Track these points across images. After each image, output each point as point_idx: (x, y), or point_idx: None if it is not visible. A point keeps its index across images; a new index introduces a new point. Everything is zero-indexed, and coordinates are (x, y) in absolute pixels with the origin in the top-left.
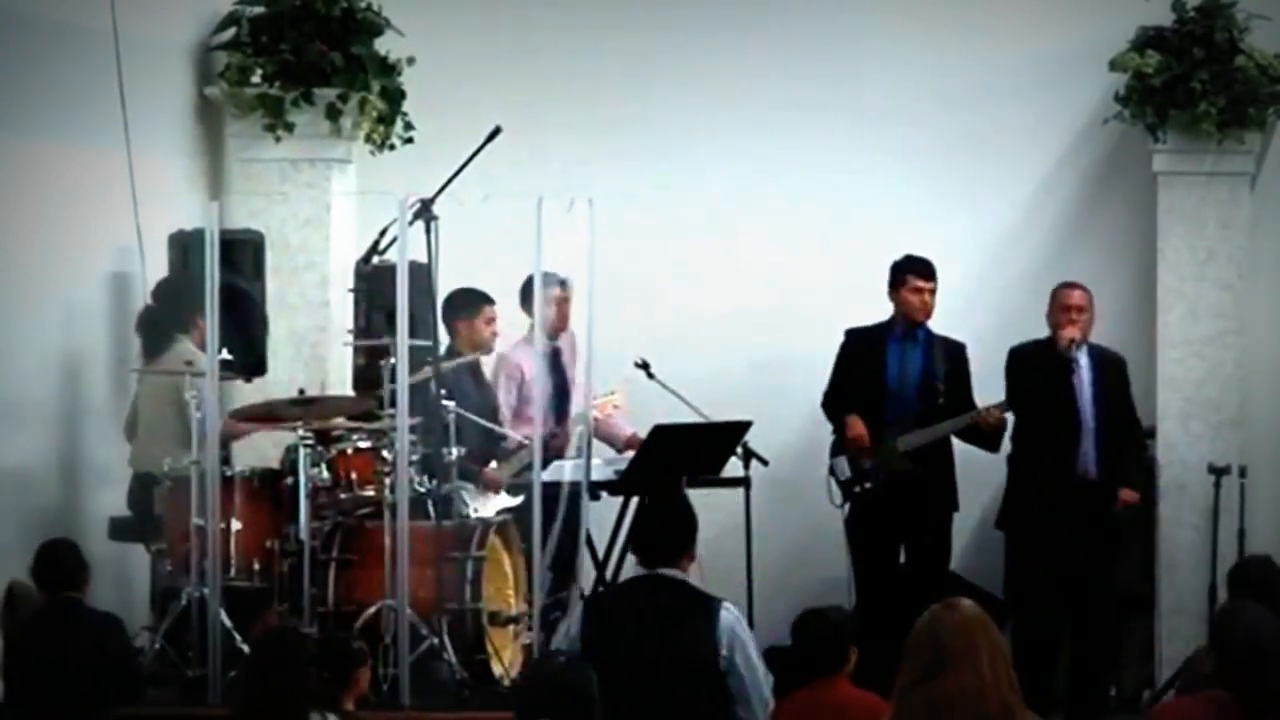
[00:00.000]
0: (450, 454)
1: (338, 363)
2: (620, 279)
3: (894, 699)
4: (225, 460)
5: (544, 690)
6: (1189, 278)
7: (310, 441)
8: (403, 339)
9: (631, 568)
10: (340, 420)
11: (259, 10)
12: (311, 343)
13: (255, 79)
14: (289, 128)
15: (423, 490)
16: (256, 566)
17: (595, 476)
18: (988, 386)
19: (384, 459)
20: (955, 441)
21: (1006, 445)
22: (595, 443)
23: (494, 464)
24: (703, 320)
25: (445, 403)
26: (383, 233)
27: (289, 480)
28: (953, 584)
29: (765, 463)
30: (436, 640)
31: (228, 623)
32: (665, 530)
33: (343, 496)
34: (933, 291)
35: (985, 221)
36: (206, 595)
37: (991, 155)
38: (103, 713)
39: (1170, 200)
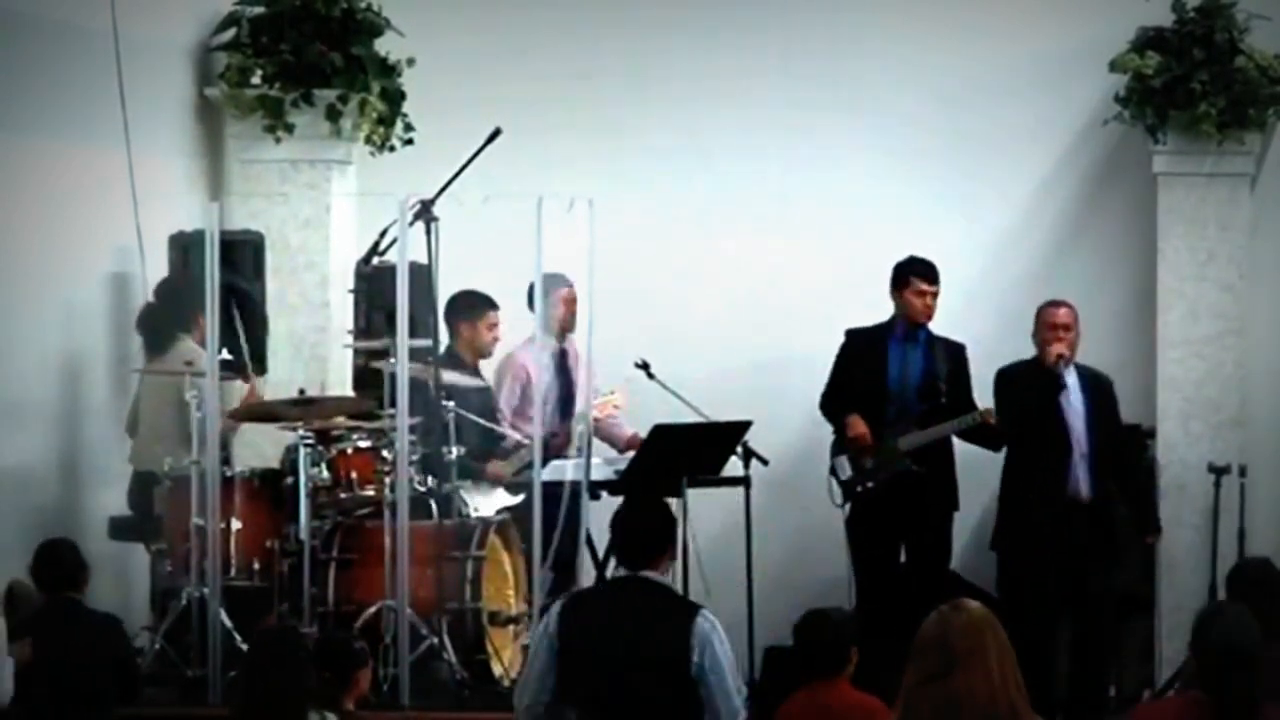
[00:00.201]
0: (450, 453)
1: (338, 363)
2: (620, 279)
3: (900, 698)
4: (225, 460)
5: None
6: (1189, 278)
7: (310, 441)
8: (403, 339)
9: None
10: (340, 420)
11: (259, 11)
12: (311, 343)
13: (255, 80)
14: (289, 129)
15: (423, 490)
16: (256, 566)
17: (595, 476)
18: (988, 387)
19: (384, 459)
20: (956, 441)
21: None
22: (595, 443)
23: (494, 461)
24: (703, 320)
25: (445, 402)
26: (383, 233)
27: (289, 480)
28: (953, 584)
29: (765, 462)
30: (436, 640)
31: (228, 623)
32: (643, 532)
33: (343, 496)
34: (935, 295)
35: (985, 222)
36: (206, 595)
37: (991, 155)
38: (102, 712)
39: (1170, 201)
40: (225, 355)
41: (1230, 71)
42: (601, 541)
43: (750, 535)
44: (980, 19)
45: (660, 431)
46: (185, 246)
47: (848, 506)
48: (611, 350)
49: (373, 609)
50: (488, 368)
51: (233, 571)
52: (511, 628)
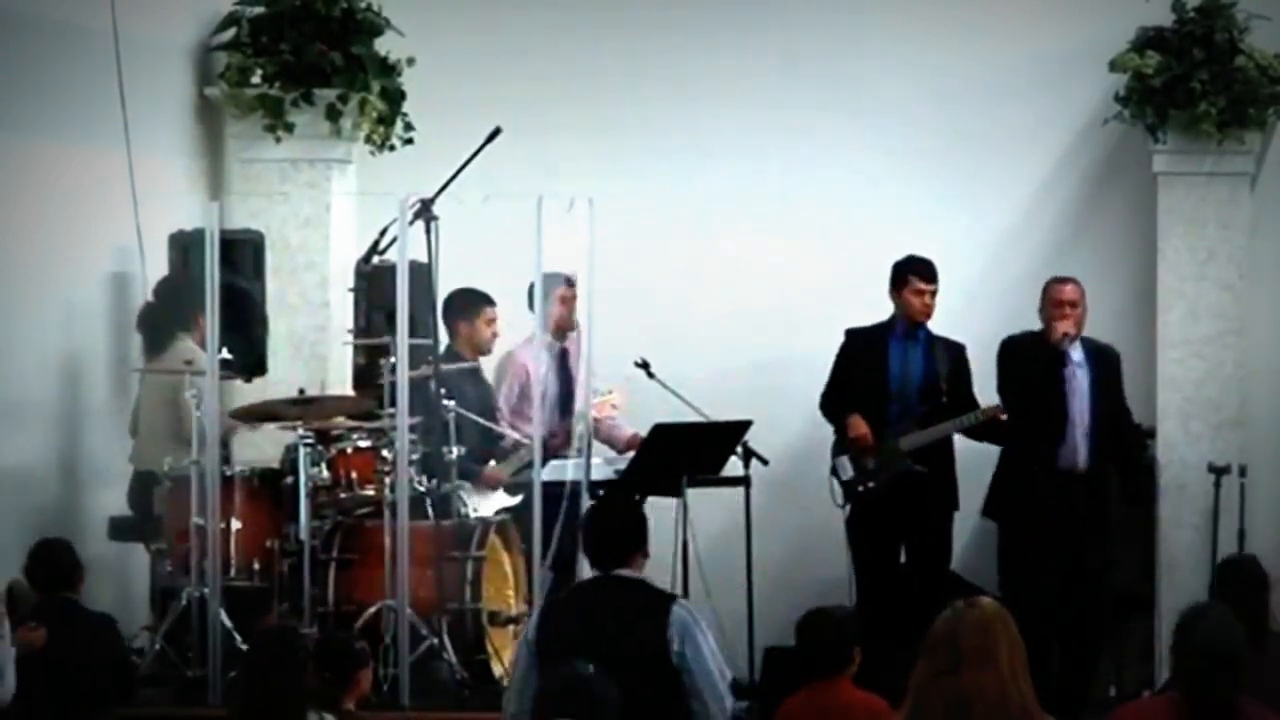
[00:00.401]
0: (450, 454)
1: (338, 363)
2: (620, 279)
3: (911, 692)
4: (225, 460)
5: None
6: (1189, 278)
7: (310, 441)
8: (403, 339)
9: None
10: (340, 420)
11: (259, 10)
12: (311, 343)
13: (255, 79)
14: (289, 128)
15: (422, 490)
16: (256, 566)
17: (595, 476)
18: (988, 386)
19: (384, 458)
20: (956, 440)
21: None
22: (595, 443)
23: (493, 463)
24: (702, 320)
25: (445, 402)
26: (383, 233)
27: (289, 480)
28: (953, 584)
29: (765, 462)
30: (436, 640)
31: (228, 623)
32: (615, 531)
33: (343, 496)
34: (934, 293)
35: (985, 221)
36: (206, 595)
37: (991, 155)
38: (99, 712)
39: (1170, 200)
40: (225, 355)
41: (1230, 71)
42: None
43: (750, 535)
44: (980, 19)
45: (660, 431)
46: (185, 246)
47: (848, 507)
48: (611, 350)
49: (373, 609)
50: (487, 365)
51: (233, 571)
52: (511, 628)
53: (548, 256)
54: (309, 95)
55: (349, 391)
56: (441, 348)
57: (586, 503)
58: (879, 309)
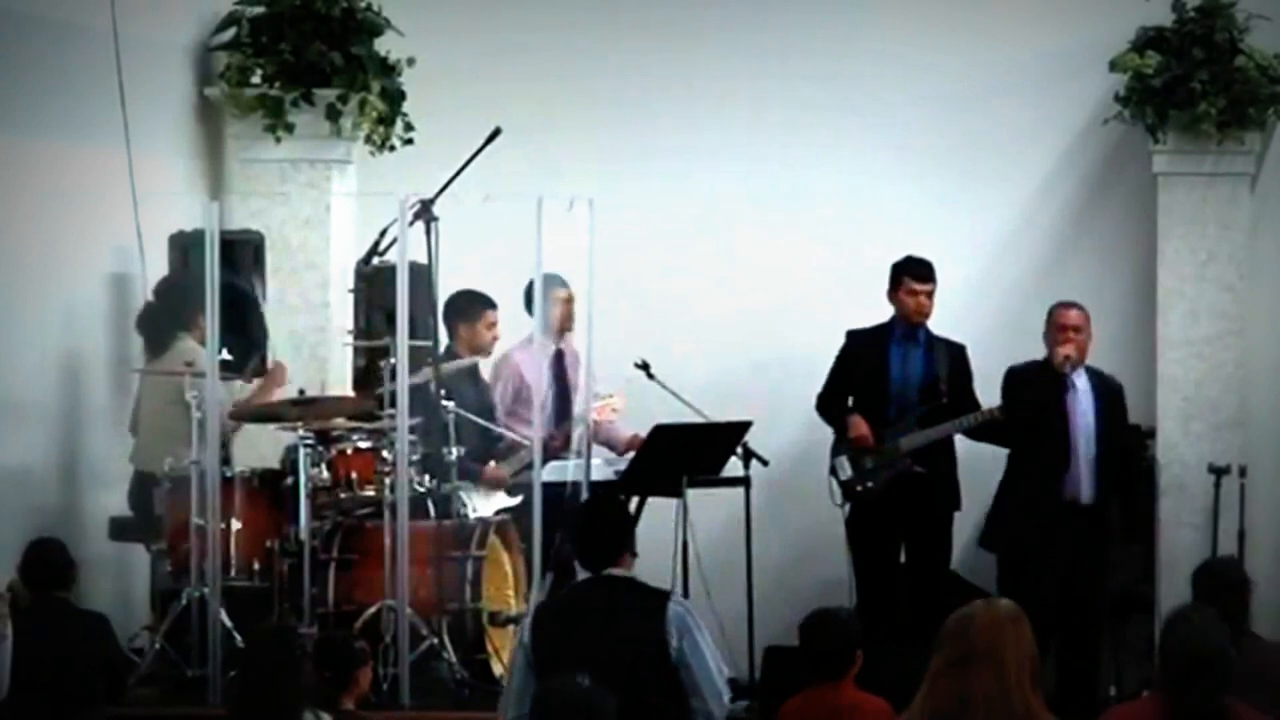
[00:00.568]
0: (450, 454)
1: (338, 363)
2: (620, 279)
3: (924, 683)
4: (225, 460)
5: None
6: (1189, 278)
7: (310, 441)
8: (403, 339)
9: None
10: (340, 420)
11: (259, 10)
12: (311, 343)
13: (255, 79)
14: (289, 128)
15: (423, 490)
16: (256, 566)
17: (595, 476)
18: (989, 387)
19: (384, 459)
20: (957, 441)
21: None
22: (595, 445)
23: (493, 464)
24: (703, 320)
25: (445, 403)
26: (383, 233)
27: (289, 480)
28: (953, 584)
29: (765, 463)
30: (436, 640)
31: (228, 623)
32: (602, 531)
33: (343, 496)
34: (929, 294)
35: (985, 222)
36: (206, 595)
37: (991, 155)
38: (91, 711)
39: (1170, 201)
40: (225, 355)
41: (1230, 71)
42: None
43: (750, 535)
44: (980, 19)
45: (660, 432)
46: (185, 246)
47: (848, 507)
48: (611, 350)
49: (373, 609)
50: (484, 367)
51: (233, 571)
52: (511, 628)
53: (548, 257)
54: (309, 95)
55: (349, 392)
56: (441, 349)
57: None
58: (879, 309)
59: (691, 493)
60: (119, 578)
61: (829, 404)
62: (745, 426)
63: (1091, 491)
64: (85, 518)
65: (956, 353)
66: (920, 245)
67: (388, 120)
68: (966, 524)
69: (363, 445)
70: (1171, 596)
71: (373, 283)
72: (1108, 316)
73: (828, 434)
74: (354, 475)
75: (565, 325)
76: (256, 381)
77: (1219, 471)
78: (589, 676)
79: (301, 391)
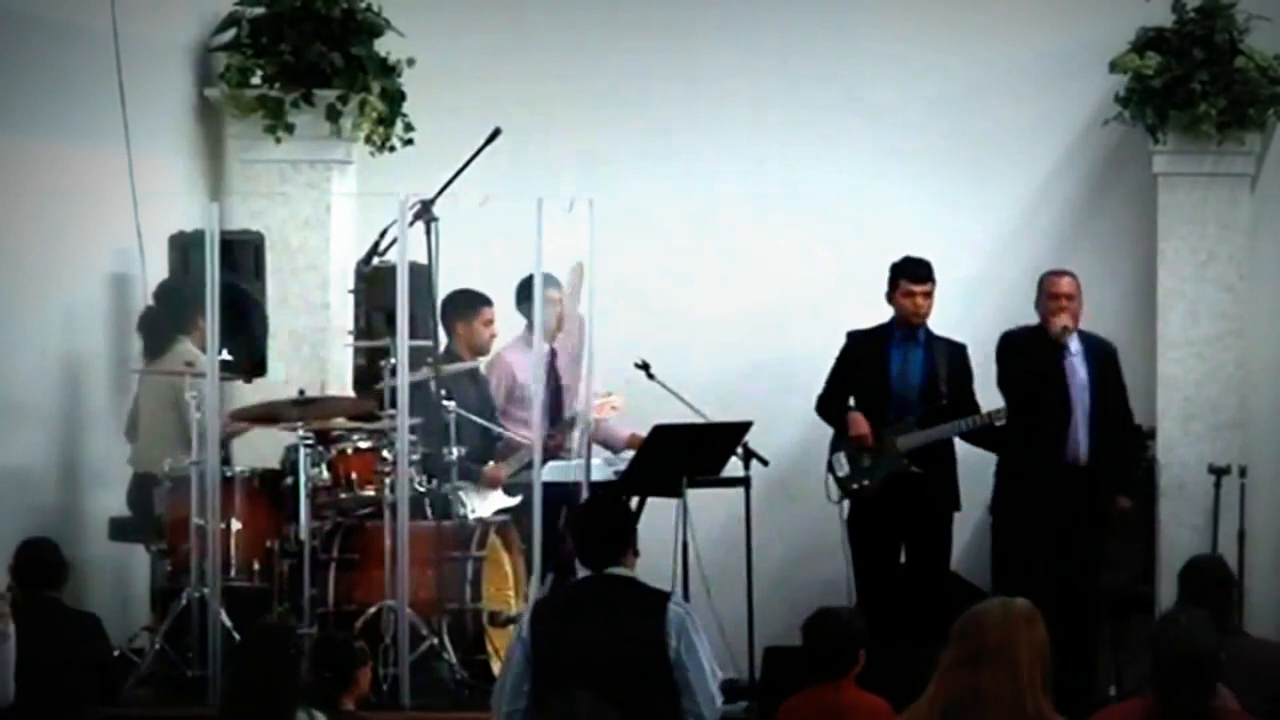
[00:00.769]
0: (450, 454)
1: (338, 363)
2: (620, 279)
3: (935, 676)
4: (225, 460)
5: None
6: (1189, 279)
7: (310, 441)
8: (403, 339)
9: None
10: (340, 420)
11: (259, 11)
12: (311, 343)
13: (255, 80)
14: (289, 129)
15: (422, 490)
16: (256, 566)
17: (595, 476)
18: (990, 386)
19: (384, 459)
20: (957, 441)
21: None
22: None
23: (492, 463)
24: (703, 320)
25: (445, 403)
26: (383, 234)
27: (289, 480)
28: (952, 584)
29: (765, 463)
30: (436, 640)
31: (228, 623)
32: (605, 529)
33: (343, 496)
34: (926, 294)
35: (985, 221)
36: (206, 595)
37: (991, 155)
38: (83, 711)
39: (1170, 201)
40: (225, 356)
41: (1230, 72)
42: None
43: (750, 535)
44: (980, 19)
45: (660, 432)
46: (185, 247)
47: (846, 506)
48: (611, 351)
49: (373, 609)
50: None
51: (233, 572)
52: (511, 628)
53: (548, 257)
54: (309, 96)
55: (349, 392)
56: (440, 349)
57: None
58: (879, 309)
59: (691, 493)
60: (119, 578)
61: (829, 404)
62: (745, 427)
63: (1088, 453)
64: (85, 518)
65: (957, 352)
66: (920, 245)
67: (388, 121)
68: (966, 524)
69: (363, 445)
70: (1171, 596)
71: (373, 283)
72: (1108, 316)
73: (828, 434)
74: (354, 475)
75: (558, 325)
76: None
77: (1219, 472)
78: (589, 687)
79: (301, 391)
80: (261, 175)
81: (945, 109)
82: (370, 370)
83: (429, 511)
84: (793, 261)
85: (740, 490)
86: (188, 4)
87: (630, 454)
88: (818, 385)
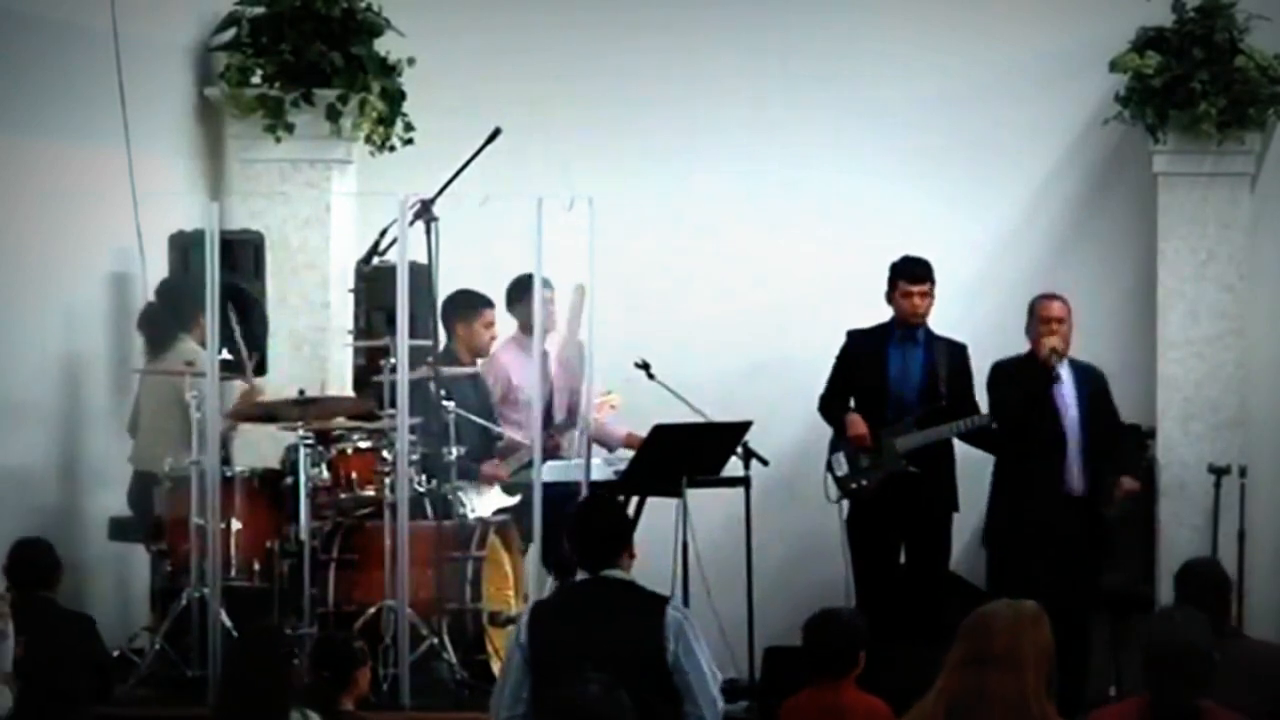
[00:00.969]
0: (450, 454)
1: (338, 363)
2: (620, 279)
3: (940, 675)
4: (225, 460)
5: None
6: (1189, 278)
7: (310, 441)
8: (403, 339)
9: None
10: (340, 420)
11: (259, 11)
12: (311, 343)
13: (255, 80)
14: (289, 128)
15: (422, 490)
16: (256, 566)
17: (595, 476)
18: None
19: (384, 459)
20: (956, 442)
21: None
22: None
23: (491, 462)
24: (703, 320)
25: (445, 403)
26: (383, 233)
27: (289, 480)
28: (952, 584)
29: (765, 463)
30: (436, 640)
31: (228, 623)
32: (601, 531)
33: (343, 496)
34: (924, 294)
35: (985, 221)
36: (206, 595)
37: (991, 155)
38: (77, 711)
39: (1170, 201)
40: (225, 355)
41: (1230, 71)
42: None
43: (750, 535)
44: (980, 19)
45: (660, 432)
46: (185, 246)
47: (846, 506)
48: (611, 351)
49: (373, 609)
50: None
51: (233, 572)
52: (511, 628)
53: (548, 257)
54: (309, 95)
55: (349, 392)
56: (440, 348)
57: None
58: (879, 309)
59: (691, 493)
60: (119, 578)
61: (830, 405)
62: (745, 426)
63: (1083, 483)
64: (85, 518)
65: (957, 352)
66: (920, 245)
67: (388, 120)
68: (965, 525)
69: (363, 445)
70: (1171, 597)
71: (373, 282)
72: (1108, 316)
73: (828, 434)
74: (354, 475)
75: (550, 326)
76: (242, 387)
77: (1219, 471)
78: (599, 674)
79: (301, 391)
80: (261, 175)
81: (945, 109)
82: (370, 370)
83: (429, 511)
84: (793, 261)
85: (740, 490)
86: (188, 4)
87: (627, 453)
88: (818, 385)
